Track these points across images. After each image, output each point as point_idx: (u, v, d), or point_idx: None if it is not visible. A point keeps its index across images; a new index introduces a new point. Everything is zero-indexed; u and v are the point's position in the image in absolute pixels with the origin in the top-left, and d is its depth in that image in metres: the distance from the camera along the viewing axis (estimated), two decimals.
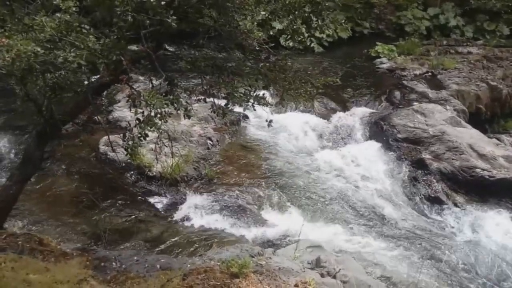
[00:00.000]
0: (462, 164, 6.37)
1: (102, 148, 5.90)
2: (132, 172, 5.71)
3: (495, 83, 8.53)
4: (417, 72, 8.92)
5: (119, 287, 3.19)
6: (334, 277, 3.72)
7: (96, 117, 4.89)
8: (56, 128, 3.42)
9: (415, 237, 5.33)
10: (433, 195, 6.19)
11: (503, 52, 9.95)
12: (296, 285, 3.42)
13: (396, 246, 5.12)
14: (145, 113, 2.95)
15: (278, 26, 7.44)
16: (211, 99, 3.37)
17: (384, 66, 9.32)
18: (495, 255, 5.25)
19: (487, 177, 6.22)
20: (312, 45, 10.08)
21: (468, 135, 6.95)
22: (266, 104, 3.28)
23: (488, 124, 8.36)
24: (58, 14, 2.77)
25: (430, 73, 8.86)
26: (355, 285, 3.54)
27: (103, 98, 4.29)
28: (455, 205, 6.09)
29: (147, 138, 3.16)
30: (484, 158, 6.49)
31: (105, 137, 5.54)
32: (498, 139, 7.52)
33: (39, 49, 2.53)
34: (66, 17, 2.74)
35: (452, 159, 6.47)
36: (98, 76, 3.33)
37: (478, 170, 6.29)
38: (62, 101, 3.34)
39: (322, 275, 3.75)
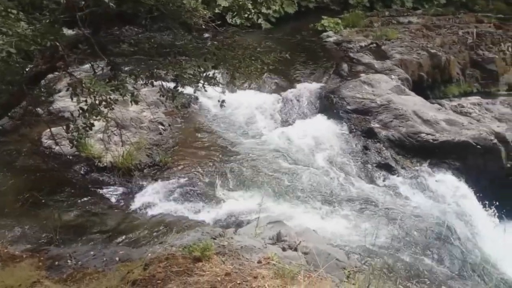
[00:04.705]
0: (408, 130, 6.69)
1: (45, 141, 5.56)
2: (80, 165, 5.45)
3: (434, 51, 8.93)
4: (363, 43, 9.12)
5: (77, 285, 3.07)
6: (296, 249, 3.81)
7: (35, 109, 4.56)
8: None
9: (369, 204, 5.55)
10: (383, 162, 6.46)
11: (441, 20, 10.41)
12: (259, 261, 3.46)
13: (351, 214, 5.31)
14: (89, 102, 2.78)
15: (223, 3, 7.26)
16: (159, 82, 3.24)
17: (331, 39, 9.44)
18: (442, 212, 5.61)
19: (431, 140, 6.57)
20: (259, 21, 9.98)
21: (412, 102, 7.27)
22: (217, 84, 3.20)
23: (430, 90, 8.77)
24: None
25: (374, 44, 9.10)
26: (316, 255, 3.64)
27: (41, 88, 4.00)
28: (404, 169, 6.40)
29: (94, 128, 3.00)
30: (428, 123, 6.84)
31: (48, 130, 5.21)
32: (440, 104, 7.95)
33: None
34: None
35: (399, 126, 6.76)
36: (33, 64, 3.08)
37: (423, 135, 6.63)
38: None
39: (283, 249, 3.82)
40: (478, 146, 6.48)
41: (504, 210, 5.90)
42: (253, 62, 3.29)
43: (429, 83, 8.76)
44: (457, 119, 7.07)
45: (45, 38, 2.62)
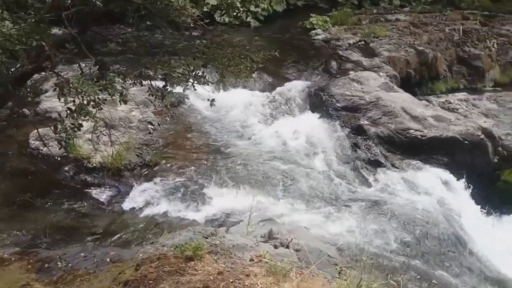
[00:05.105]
0: (397, 127, 6.75)
1: (33, 142, 5.48)
2: (69, 166, 5.39)
3: (421, 48, 9.00)
4: (351, 41, 9.16)
5: (67, 287, 3.03)
6: (287, 247, 3.82)
7: (21, 110, 4.50)
8: None
9: (359, 201, 5.58)
10: (373, 159, 6.51)
11: (428, 17, 10.52)
12: (251, 259, 3.47)
13: (342, 211, 5.33)
14: (77, 102, 2.74)
15: (212, 1, 7.25)
16: (148, 81, 3.21)
17: (320, 37, 9.47)
18: (432, 208, 5.67)
19: (420, 137, 6.64)
20: (248, 19, 9.99)
21: (400, 99, 7.33)
22: (206, 82, 3.19)
23: (418, 87, 8.83)
24: None
25: (363, 42, 9.15)
26: (307, 252, 3.66)
27: (27, 89, 3.94)
28: (393, 165, 6.46)
29: (83, 128, 2.97)
30: (416, 120, 6.91)
31: (35, 131, 5.14)
32: (427, 101, 8.03)
33: None
34: None
35: (388, 123, 6.81)
36: (18, 64, 3.03)
37: (411, 131, 6.70)
38: None
39: (275, 247, 3.83)
40: (466, 142, 6.56)
41: (492, 205, 6.00)
42: (242, 60, 3.28)
43: (417, 80, 8.83)
44: (445, 115, 7.15)
45: (30, 38, 2.58)
